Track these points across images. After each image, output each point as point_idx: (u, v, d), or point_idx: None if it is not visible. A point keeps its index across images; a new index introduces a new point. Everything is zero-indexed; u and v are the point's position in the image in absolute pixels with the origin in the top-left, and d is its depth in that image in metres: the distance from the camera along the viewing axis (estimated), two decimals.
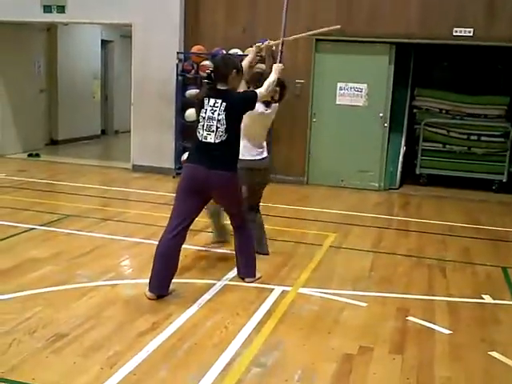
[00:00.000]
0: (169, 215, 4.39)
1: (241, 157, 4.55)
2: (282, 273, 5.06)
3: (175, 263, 4.37)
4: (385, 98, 8.94)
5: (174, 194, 4.46)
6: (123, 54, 14.22)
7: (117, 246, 5.68)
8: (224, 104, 4.24)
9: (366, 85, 8.93)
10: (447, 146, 9.50)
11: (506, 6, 8.30)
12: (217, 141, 4.25)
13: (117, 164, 10.28)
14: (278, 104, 5.19)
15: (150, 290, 4.31)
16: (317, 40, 8.87)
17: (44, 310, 4.04)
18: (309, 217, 7.29)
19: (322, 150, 9.20)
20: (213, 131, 4.25)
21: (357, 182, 9.14)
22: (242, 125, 4.45)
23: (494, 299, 4.68)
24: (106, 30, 13.83)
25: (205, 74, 4.54)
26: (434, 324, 4.13)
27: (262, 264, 4.96)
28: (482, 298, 4.69)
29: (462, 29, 8.41)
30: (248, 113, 4.48)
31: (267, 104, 5.02)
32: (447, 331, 4.03)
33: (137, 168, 9.67)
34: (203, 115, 4.29)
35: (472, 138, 9.37)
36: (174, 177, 9.12)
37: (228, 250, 5.37)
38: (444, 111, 9.63)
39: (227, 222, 5.06)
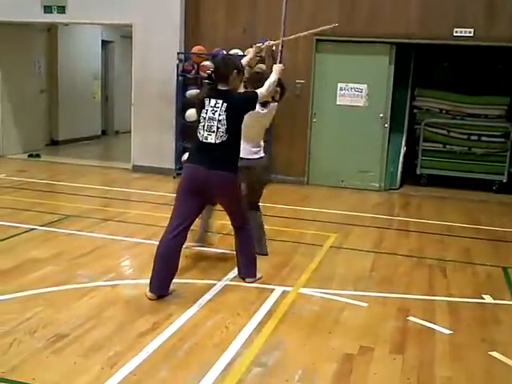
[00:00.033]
0: (169, 215, 4.39)
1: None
2: (282, 273, 5.07)
3: (176, 263, 4.37)
4: (385, 99, 8.94)
5: (175, 195, 4.46)
6: (123, 54, 14.22)
7: (117, 247, 5.68)
8: (225, 104, 4.25)
9: (366, 85, 8.93)
10: (447, 147, 9.50)
11: (506, 6, 8.31)
12: (217, 141, 4.25)
13: (117, 164, 10.28)
14: (276, 104, 5.18)
15: (151, 290, 4.31)
16: (317, 40, 8.88)
17: (44, 310, 4.04)
18: (309, 217, 7.29)
19: (323, 150, 9.20)
20: (213, 131, 4.25)
21: (357, 182, 9.14)
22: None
23: (494, 299, 4.68)
24: (107, 31, 13.84)
25: (205, 75, 4.55)
26: (435, 324, 4.14)
27: (262, 264, 4.96)
28: (483, 298, 4.69)
29: (463, 29, 8.41)
30: None
31: (264, 104, 5.01)
32: (448, 331, 4.03)
33: (137, 168, 9.68)
34: (204, 115, 4.30)
35: (472, 138, 9.37)
36: (174, 177, 9.12)
37: (228, 250, 5.37)
38: (444, 111, 9.63)
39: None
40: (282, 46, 4.99)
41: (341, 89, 9.03)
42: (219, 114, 4.24)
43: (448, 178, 9.50)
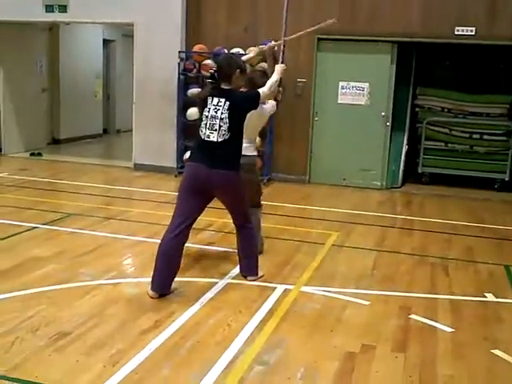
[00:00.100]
0: (171, 214, 4.40)
1: None
2: (284, 271, 5.07)
3: (177, 262, 4.37)
4: (387, 97, 8.94)
5: (176, 193, 4.47)
6: (125, 53, 14.23)
7: (119, 245, 5.69)
8: (227, 103, 4.25)
9: (367, 84, 8.92)
10: (449, 145, 9.50)
11: (507, 5, 8.29)
12: (219, 139, 4.25)
13: (119, 163, 10.29)
14: (275, 103, 5.16)
15: (153, 288, 4.32)
16: (319, 39, 8.88)
17: (47, 308, 4.05)
18: (311, 215, 7.29)
19: (324, 149, 9.20)
20: (215, 130, 4.25)
21: (359, 180, 9.14)
22: None
23: (496, 297, 4.68)
24: (108, 30, 13.84)
25: (208, 74, 4.55)
26: (437, 322, 4.13)
27: (264, 262, 4.96)
28: (485, 297, 4.69)
29: (464, 28, 8.40)
30: None
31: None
32: (450, 329, 4.03)
33: (139, 167, 9.68)
34: (206, 114, 4.30)
35: (474, 136, 9.37)
36: (175, 176, 9.13)
37: (230, 248, 5.37)
38: (446, 110, 9.61)
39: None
40: (284, 46, 4.98)
41: (342, 87, 9.03)
42: (221, 113, 4.24)
43: (450, 176, 9.50)
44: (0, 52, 10.31)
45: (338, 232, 6.41)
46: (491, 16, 8.33)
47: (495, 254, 5.95)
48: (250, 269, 4.76)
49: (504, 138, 9.25)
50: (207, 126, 4.28)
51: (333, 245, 5.96)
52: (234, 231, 4.78)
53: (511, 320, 4.28)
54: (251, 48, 8.75)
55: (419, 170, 9.58)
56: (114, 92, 14.83)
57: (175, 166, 9.39)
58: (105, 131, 14.51)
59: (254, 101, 4.41)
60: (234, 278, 4.78)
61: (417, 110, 9.73)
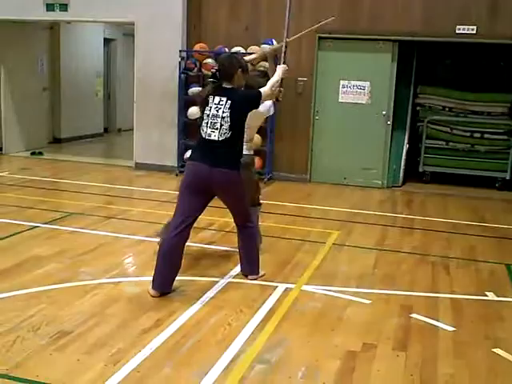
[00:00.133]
0: (172, 213, 4.40)
1: None
2: (285, 270, 5.06)
3: (178, 261, 4.37)
4: (388, 96, 8.93)
5: (177, 192, 4.47)
6: (126, 52, 14.24)
7: (120, 244, 5.69)
8: (229, 102, 4.24)
9: (368, 82, 8.92)
10: (450, 144, 9.49)
11: (508, 4, 8.28)
12: (220, 138, 4.25)
13: (120, 162, 10.29)
14: (271, 102, 5.13)
15: (154, 287, 4.32)
16: (319, 38, 8.88)
17: (48, 307, 4.05)
18: (312, 214, 7.29)
19: (325, 148, 9.20)
20: (217, 128, 4.25)
21: (360, 179, 9.13)
22: None
23: (497, 296, 4.68)
24: (109, 29, 13.84)
25: (209, 73, 4.53)
26: (438, 321, 4.13)
27: (265, 261, 4.96)
28: (486, 295, 4.69)
29: (465, 26, 8.39)
30: None
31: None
32: (451, 328, 4.03)
33: (140, 166, 9.68)
34: (207, 113, 4.29)
35: (475, 135, 9.37)
36: (176, 174, 9.13)
37: (231, 247, 5.37)
38: (447, 109, 9.61)
39: None
40: (286, 47, 4.97)
41: (343, 86, 9.02)
42: (223, 111, 4.24)
43: (451, 175, 9.49)
44: (1, 51, 10.31)
45: (338, 231, 6.41)
46: (492, 14, 8.31)
47: (496, 252, 5.95)
48: (250, 268, 4.76)
49: (505, 137, 9.25)
50: (208, 125, 4.28)
51: (334, 244, 5.96)
52: (235, 230, 4.77)
53: None
54: (253, 47, 8.77)
55: (420, 169, 9.57)
56: (115, 91, 14.83)
57: (176, 165, 9.39)
58: (106, 130, 14.51)
59: (255, 100, 4.40)
60: (234, 277, 4.78)
61: (418, 108, 9.72)
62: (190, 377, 3.24)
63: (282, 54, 4.95)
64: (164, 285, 4.34)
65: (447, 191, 9.00)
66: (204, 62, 9.01)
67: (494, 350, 3.73)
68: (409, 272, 5.22)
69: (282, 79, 4.65)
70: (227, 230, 6.04)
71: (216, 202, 4.53)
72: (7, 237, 5.64)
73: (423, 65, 9.85)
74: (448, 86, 9.63)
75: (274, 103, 5.07)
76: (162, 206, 7.03)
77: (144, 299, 4.26)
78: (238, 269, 4.87)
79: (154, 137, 9.50)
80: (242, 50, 8.63)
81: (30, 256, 5.10)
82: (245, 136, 4.65)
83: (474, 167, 9.35)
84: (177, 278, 4.40)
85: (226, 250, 5.47)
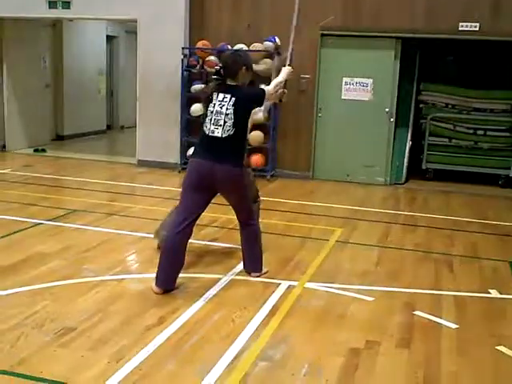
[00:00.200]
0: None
1: None
2: (288, 267, 5.07)
3: (182, 258, 4.37)
4: (391, 93, 8.92)
5: (180, 189, 4.47)
6: (128, 49, 14.24)
7: (123, 241, 5.69)
8: (233, 99, 4.24)
9: (371, 79, 8.91)
10: (453, 141, 9.48)
11: (511, 1, 8.26)
12: (224, 135, 4.24)
13: (122, 159, 10.30)
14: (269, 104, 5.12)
15: (157, 284, 4.32)
16: (322, 35, 8.87)
17: (51, 304, 4.06)
18: (315, 212, 7.29)
19: (328, 145, 9.19)
20: (220, 125, 4.25)
21: (363, 176, 9.12)
22: None
23: (500, 294, 4.67)
24: (111, 26, 13.83)
25: (212, 70, 4.52)
26: (441, 318, 4.13)
27: (268, 259, 4.96)
28: (489, 293, 4.68)
29: (468, 23, 8.37)
30: None
31: None
32: (454, 326, 4.03)
33: (142, 163, 9.68)
34: (211, 109, 4.29)
35: (478, 132, 9.36)
36: (179, 172, 9.13)
37: (234, 244, 5.38)
38: (450, 106, 9.60)
39: None
40: (293, 50, 4.95)
41: (346, 83, 9.01)
42: (227, 108, 4.24)
43: (454, 172, 9.48)
44: (4, 48, 10.33)
45: (341, 228, 6.41)
46: (495, 11, 8.30)
47: (499, 250, 5.94)
48: (254, 265, 4.76)
49: (508, 134, 9.24)
50: (212, 122, 4.28)
51: (337, 241, 5.96)
52: (238, 227, 4.78)
53: None
54: (255, 44, 8.77)
55: (423, 166, 9.56)
56: (118, 88, 14.84)
57: (179, 162, 9.39)
58: (108, 127, 14.52)
59: (259, 98, 4.41)
60: (238, 274, 4.78)
61: (421, 105, 9.71)
62: (193, 374, 3.24)
63: (289, 56, 4.93)
64: (167, 282, 4.34)
65: (450, 188, 8.99)
66: (207, 59, 9.00)
67: (498, 347, 3.73)
68: (412, 269, 5.22)
69: (285, 81, 4.64)
70: (230, 226, 6.04)
71: (219, 198, 4.54)
72: (11, 234, 5.65)
73: (426, 62, 9.84)
74: (451, 83, 9.61)
75: (275, 104, 5.06)
76: (165, 203, 7.02)
77: (147, 296, 4.27)
78: (241, 266, 4.87)
79: (157, 134, 9.50)
80: (245, 48, 8.62)
81: (34, 253, 5.11)
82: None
83: (477, 164, 9.34)
84: (180, 275, 4.41)
85: (229, 247, 5.47)
